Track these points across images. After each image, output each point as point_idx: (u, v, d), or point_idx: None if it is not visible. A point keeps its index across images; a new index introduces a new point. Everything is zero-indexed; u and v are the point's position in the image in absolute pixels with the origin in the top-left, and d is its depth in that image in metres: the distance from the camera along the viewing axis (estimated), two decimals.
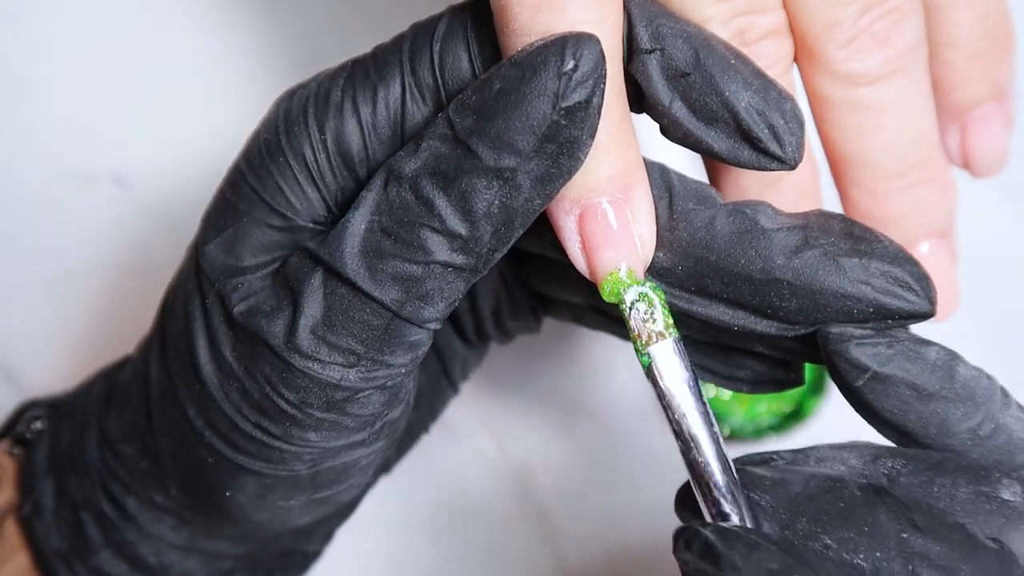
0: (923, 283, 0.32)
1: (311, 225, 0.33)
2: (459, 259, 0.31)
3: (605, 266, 0.32)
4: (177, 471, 0.36)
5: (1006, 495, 0.31)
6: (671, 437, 0.55)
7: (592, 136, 0.30)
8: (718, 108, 0.31)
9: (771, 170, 0.32)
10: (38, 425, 0.41)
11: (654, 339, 0.32)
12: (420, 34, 0.32)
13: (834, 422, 0.55)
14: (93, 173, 0.53)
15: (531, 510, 0.55)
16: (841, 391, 0.33)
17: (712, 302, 0.33)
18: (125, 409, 0.38)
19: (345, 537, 0.55)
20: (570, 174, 0.31)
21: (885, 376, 0.31)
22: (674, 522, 0.55)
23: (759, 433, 0.54)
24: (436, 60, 0.32)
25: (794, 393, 0.54)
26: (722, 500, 0.32)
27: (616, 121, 0.31)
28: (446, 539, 0.55)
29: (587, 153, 0.30)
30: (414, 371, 0.34)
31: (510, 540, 0.55)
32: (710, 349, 0.36)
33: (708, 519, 0.32)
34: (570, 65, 0.29)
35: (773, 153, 0.32)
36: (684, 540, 0.31)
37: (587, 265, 0.32)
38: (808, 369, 0.54)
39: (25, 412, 0.42)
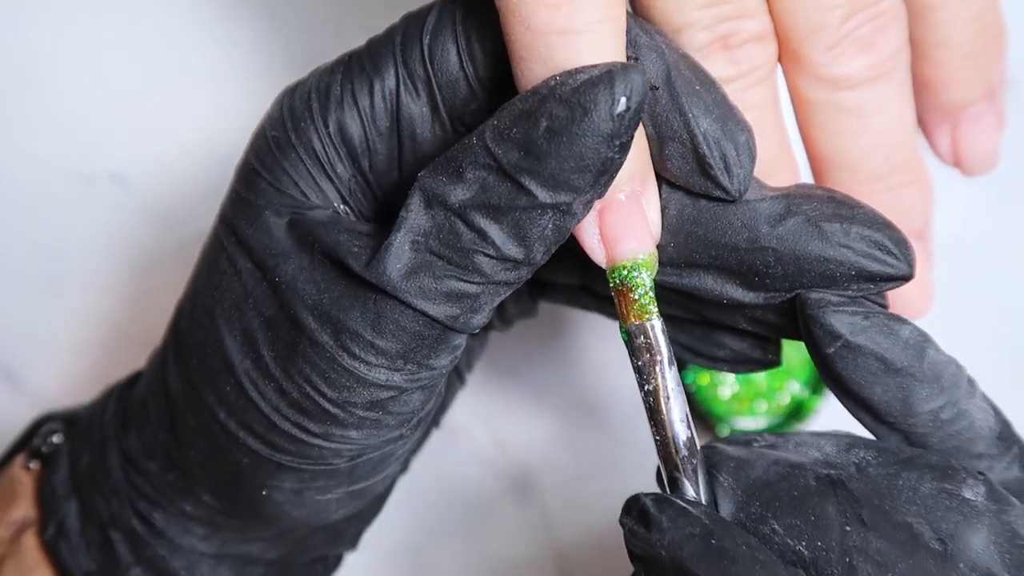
0: (901, 247, 0.32)
1: (328, 211, 0.34)
2: (512, 276, 0.32)
3: (624, 256, 0.32)
4: (208, 478, 0.36)
5: (968, 494, 0.31)
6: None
7: (628, 154, 0.31)
8: (678, 127, 0.32)
9: (714, 197, 0.33)
10: (55, 439, 0.41)
11: (636, 317, 0.33)
12: (411, 26, 0.33)
13: (834, 422, 0.55)
14: (93, 173, 0.53)
15: (531, 509, 0.55)
16: (813, 359, 0.33)
17: (701, 275, 0.33)
18: (144, 426, 0.38)
19: None
20: (608, 188, 0.31)
21: (856, 346, 0.32)
22: None
23: (759, 433, 0.54)
24: (426, 52, 0.32)
25: (794, 393, 0.54)
26: (677, 475, 0.33)
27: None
28: (446, 538, 0.55)
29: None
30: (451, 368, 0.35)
31: (510, 539, 0.55)
32: (693, 329, 0.37)
33: (666, 491, 0.33)
34: (622, 106, 0.29)
35: (720, 182, 0.32)
36: (626, 506, 0.33)
37: (605, 256, 0.32)
38: (808, 368, 0.54)
39: (41, 426, 0.42)
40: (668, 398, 0.33)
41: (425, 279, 0.32)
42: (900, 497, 0.31)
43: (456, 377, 0.43)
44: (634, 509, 0.32)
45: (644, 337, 0.33)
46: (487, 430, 0.55)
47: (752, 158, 0.33)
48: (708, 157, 0.32)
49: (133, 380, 0.40)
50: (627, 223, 0.32)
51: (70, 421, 0.41)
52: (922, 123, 0.39)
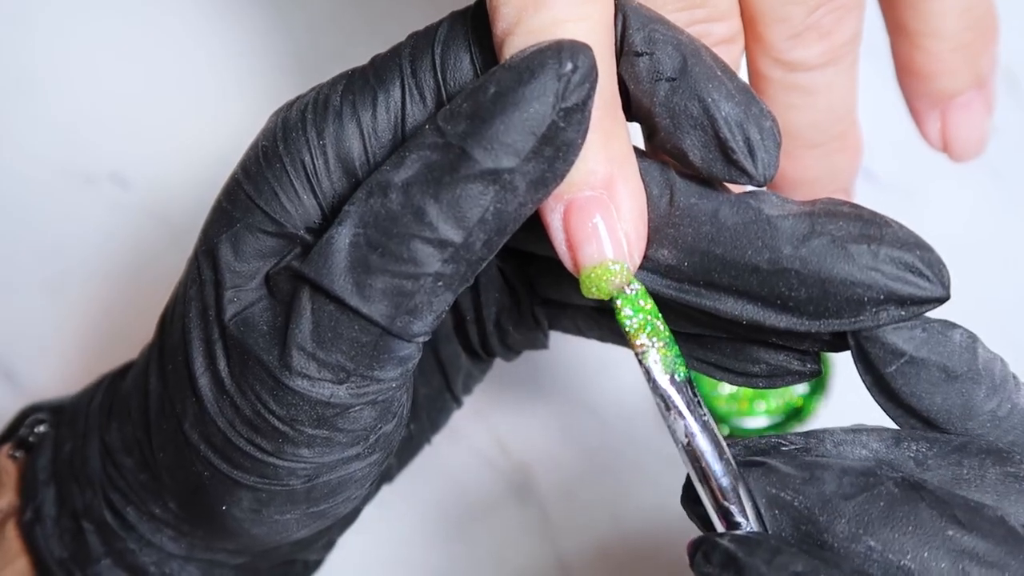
0: (934, 268, 0.31)
1: (302, 233, 0.33)
2: (449, 269, 0.31)
3: (588, 261, 0.31)
4: (174, 485, 0.36)
5: None
6: (670, 436, 0.55)
7: (584, 139, 0.30)
8: (699, 114, 0.31)
9: (739, 183, 0.32)
10: (41, 429, 0.41)
11: (648, 341, 0.32)
12: (420, 40, 0.33)
13: (834, 422, 0.55)
14: (94, 173, 0.53)
15: (531, 510, 0.55)
16: (866, 377, 0.32)
17: (721, 296, 0.32)
18: (125, 421, 0.38)
19: (345, 538, 0.55)
20: (562, 177, 0.30)
21: (920, 360, 0.31)
22: (673, 521, 0.55)
23: (759, 433, 0.54)
24: (438, 62, 0.32)
25: (794, 394, 0.54)
26: (731, 507, 0.31)
27: (602, 118, 0.31)
28: (446, 539, 0.55)
29: (578, 155, 0.30)
30: (405, 384, 0.34)
31: (510, 540, 0.55)
32: (720, 345, 0.35)
33: (719, 526, 0.32)
34: (568, 67, 0.29)
35: (744, 167, 0.32)
36: (703, 553, 0.31)
37: (572, 260, 0.31)
38: None
39: (28, 416, 0.42)
40: (694, 434, 0.32)
41: (360, 274, 0.31)
42: (971, 487, 0.31)
43: (451, 399, 0.42)
44: (715, 556, 0.31)
45: (645, 368, 0.32)
46: (487, 430, 0.55)
47: (777, 144, 0.32)
48: (730, 141, 0.31)
49: (125, 370, 0.40)
50: (591, 226, 0.31)
51: (57, 410, 0.41)
52: (912, 109, 0.40)
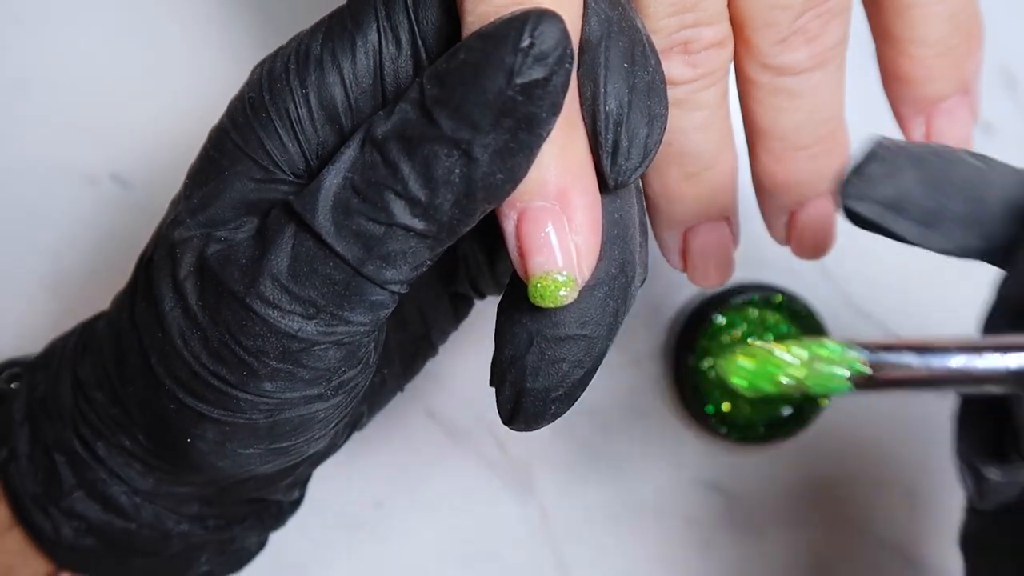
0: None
1: (291, 178, 0.34)
2: (420, 225, 0.31)
3: (537, 270, 0.32)
4: (142, 418, 0.37)
5: None
6: (681, 439, 0.55)
7: (555, 113, 0.30)
8: (587, 97, 0.32)
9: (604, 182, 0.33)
10: (14, 387, 0.42)
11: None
12: None
13: (835, 424, 0.55)
14: (94, 173, 0.53)
15: (531, 510, 0.55)
16: None
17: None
18: (98, 355, 0.39)
19: (344, 537, 0.55)
20: (532, 149, 0.30)
21: None
22: (674, 521, 0.55)
23: (760, 434, 0.54)
24: (409, 2, 0.32)
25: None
26: None
27: (558, 126, 0.31)
28: (446, 539, 0.55)
29: (549, 129, 0.30)
30: (374, 332, 0.34)
31: (509, 540, 0.55)
32: None
33: None
34: (527, 42, 0.29)
35: (602, 165, 0.32)
36: None
37: (522, 268, 0.32)
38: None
39: (3, 371, 0.43)
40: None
41: (340, 215, 0.31)
42: None
43: (428, 346, 0.43)
44: None
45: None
46: (487, 430, 0.55)
47: (643, 156, 0.32)
48: (600, 136, 0.32)
49: (101, 315, 0.41)
50: (542, 236, 0.31)
51: (32, 365, 0.42)
52: (897, 114, 0.40)
